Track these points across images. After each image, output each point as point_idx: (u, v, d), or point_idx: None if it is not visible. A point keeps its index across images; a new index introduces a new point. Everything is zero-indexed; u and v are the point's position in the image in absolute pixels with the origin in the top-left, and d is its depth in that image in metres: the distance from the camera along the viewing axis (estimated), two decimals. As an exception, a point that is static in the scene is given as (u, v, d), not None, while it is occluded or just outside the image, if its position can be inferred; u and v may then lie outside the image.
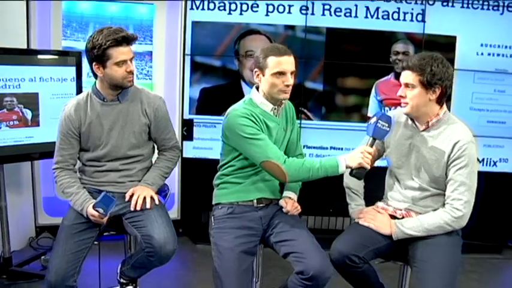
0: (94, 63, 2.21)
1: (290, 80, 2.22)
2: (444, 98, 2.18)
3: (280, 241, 2.22)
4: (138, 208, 2.25)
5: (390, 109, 3.54)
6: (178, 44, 3.58)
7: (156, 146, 2.48)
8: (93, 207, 2.17)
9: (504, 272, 3.44)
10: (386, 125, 2.13)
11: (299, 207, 2.35)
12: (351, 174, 2.16)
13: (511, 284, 3.33)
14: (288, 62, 2.21)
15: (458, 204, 2.13)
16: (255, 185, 2.33)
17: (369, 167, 2.11)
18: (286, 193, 2.38)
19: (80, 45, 3.42)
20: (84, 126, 2.29)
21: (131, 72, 2.24)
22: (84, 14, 3.44)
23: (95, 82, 2.32)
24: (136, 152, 2.35)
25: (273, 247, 2.26)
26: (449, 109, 2.36)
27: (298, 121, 2.43)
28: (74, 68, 3.05)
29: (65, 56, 3.11)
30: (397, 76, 3.53)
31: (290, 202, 2.32)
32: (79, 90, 3.06)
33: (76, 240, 2.20)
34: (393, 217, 2.28)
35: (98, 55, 2.17)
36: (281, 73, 2.21)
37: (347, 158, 2.14)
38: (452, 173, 2.15)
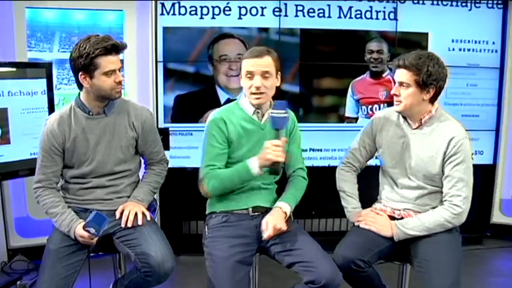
0: (80, 73, 2.07)
1: (257, 83, 2.14)
2: (437, 98, 2.16)
3: (284, 251, 2.14)
4: (129, 225, 2.12)
5: (367, 108, 3.53)
6: (150, 51, 3.41)
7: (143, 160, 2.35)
8: (84, 227, 2.01)
9: (487, 262, 3.49)
10: (282, 111, 2.06)
11: (283, 227, 2.12)
12: (270, 173, 2.12)
13: (496, 273, 3.37)
14: (256, 64, 2.14)
15: (458, 201, 2.11)
16: (250, 192, 2.25)
17: (281, 159, 2.06)
18: (278, 203, 2.21)
19: (46, 56, 3.24)
20: (68, 141, 2.14)
21: (120, 83, 2.12)
22: (49, 23, 3.24)
23: (79, 94, 2.17)
24: (124, 167, 2.22)
25: (275, 257, 2.17)
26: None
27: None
28: (44, 80, 2.87)
29: (33, 68, 2.91)
30: (373, 75, 3.55)
31: (271, 224, 2.10)
32: (50, 103, 2.89)
33: (64, 264, 2.05)
34: (392, 218, 2.25)
35: (85, 64, 2.03)
36: (250, 76, 2.15)
37: (258, 159, 2.09)
38: (449, 169, 2.13)
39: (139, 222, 2.12)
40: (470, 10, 3.54)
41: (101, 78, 2.07)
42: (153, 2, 3.36)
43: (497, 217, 3.82)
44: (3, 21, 3.12)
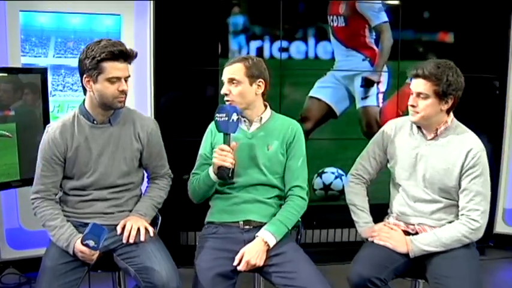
0: (85, 76, 1.96)
1: (224, 89, 2.13)
2: (454, 108, 2.06)
3: (277, 272, 2.02)
4: (131, 241, 1.98)
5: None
6: (148, 57, 3.29)
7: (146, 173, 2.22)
8: (82, 241, 1.87)
9: (491, 273, 3.39)
10: (223, 115, 2.01)
11: (259, 263, 1.99)
12: (217, 178, 2.06)
13: (500, 284, 3.28)
14: (226, 71, 2.14)
15: (475, 215, 2.01)
16: (243, 205, 2.16)
17: (229, 164, 2.01)
18: (261, 232, 2.07)
19: (41, 62, 3.10)
20: (70, 151, 2.01)
21: (123, 92, 1.99)
22: (44, 28, 3.10)
23: (83, 101, 2.04)
24: (127, 180, 2.09)
25: (267, 277, 2.07)
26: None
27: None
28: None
29: (28, 74, 2.76)
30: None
31: (245, 259, 1.99)
32: (45, 111, 2.73)
33: (61, 282, 1.91)
34: (406, 233, 2.14)
35: (90, 67, 1.92)
36: (224, 83, 2.15)
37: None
38: (467, 182, 2.02)
39: (142, 238, 1.99)
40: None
41: (104, 84, 1.95)
42: (152, 6, 3.24)
43: (500, 227, 3.73)
44: (-5, 25, 2.98)
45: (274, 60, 3.37)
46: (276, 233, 2.06)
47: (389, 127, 2.23)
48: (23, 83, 2.68)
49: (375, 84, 3.49)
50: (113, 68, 1.93)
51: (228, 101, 2.12)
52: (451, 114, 2.10)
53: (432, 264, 2.03)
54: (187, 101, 3.41)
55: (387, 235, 2.12)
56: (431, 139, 2.10)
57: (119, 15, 3.23)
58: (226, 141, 2.04)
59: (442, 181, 2.07)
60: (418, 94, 2.02)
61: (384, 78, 3.50)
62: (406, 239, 2.08)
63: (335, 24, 3.40)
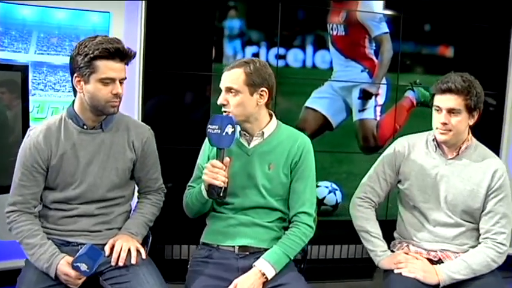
0: (75, 75, 1.71)
1: (220, 99, 1.87)
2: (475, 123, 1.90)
3: None
4: (121, 264, 1.73)
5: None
6: (137, 58, 3.01)
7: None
8: (73, 263, 1.62)
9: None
10: (216, 127, 1.76)
11: None
12: (208, 197, 1.81)
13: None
14: (224, 78, 1.88)
15: (502, 239, 1.88)
16: (239, 228, 1.91)
17: (220, 183, 1.75)
18: (259, 262, 1.83)
19: (21, 58, 2.80)
20: (54, 158, 1.76)
21: (117, 96, 1.74)
22: (26, 21, 2.81)
23: (73, 102, 1.78)
24: (117, 194, 1.84)
25: None
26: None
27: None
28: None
29: (6, 71, 2.47)
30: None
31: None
32: (25, 111, 2.44)
33: None
34: (429, 261, 1.96)
35: (82, 65, 1.67)
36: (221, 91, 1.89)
37: None
38: (493, 204, 1.87)
39: (133, 261, 1.75)
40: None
41: (96, 86, 1.70)
42: (144, 4, 2.99)
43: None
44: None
45: (270, 67, 3.14)
46: (276, 264, 1.82)
47: (401, 145, 2.04)
48: (0, 80, 2.39)
49: (373, 97, 3.31)
50: (107, 67, 1.69)
51: (225, 112, 1.86)
52: (470, 132, 1.93)
53: None
54: (177, 107, 3.16)
55: (416, 266, 1.92)
56: (452, 158, 1.92)
57: (108, 12, 2.97)
58: (219, 157, 1.77)
59: (466, 203, 1.90)
60: (450, 110, 1.83)
61: (383, 90, 3.32)
62: (436, 269, 1.90)
63: (335, 33, 3.21)
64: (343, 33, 3.22)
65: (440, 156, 1.96)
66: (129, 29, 2.99)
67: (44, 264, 1.70)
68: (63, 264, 1.67)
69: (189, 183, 2.02)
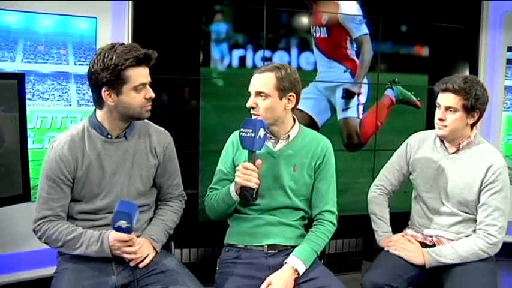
0: (104, 89, 1.73)
1: (249, 102, 1.98)
2: (478, 122, 2.09)
3: None
4: (141, 266, 1.80)
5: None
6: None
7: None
8: (113, 226, 1.68)
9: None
10: (250, 130, 1.86)
11: None
12: (240, 198, 1.92)
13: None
14: (254, 81, 1.99)
15: (493, 230, 2.05)
16: (267, 228, 2.03)
17: (253, 184, 1.87)
18: (290, 259, 1.95)
19: (7, 66, 2.77)
20: (80, 169, 1.79)
21: (151, 99, 1.80)
22: (11, 28, 2.77)
23: (94, 112, 1.81)
24: (143, 201, 1.90)
25: None
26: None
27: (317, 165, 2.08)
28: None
29: (2, 79, 2.43)
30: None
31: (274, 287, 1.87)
32: (22, 122, 2.43)
33: None
34: (424, 244, 2.16)
35: (112, 78, 1.70)
36: (250, 94, 2.00)
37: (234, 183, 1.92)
38: (486, 197, 2.05)
39: (140, 266, 1.82)
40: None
41: (130, 94, 1.75)
42: (130, 9, 3.03)
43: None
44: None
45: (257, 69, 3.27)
46: (306, 260, 1.94)
47: (413, 140, 2.25)
48: None
49: (355, 96, 3.49)
50: (138, 74, 1.75)
51: (254, 114, 1.96)
52: (475, 129, 2.13)
53: (450, 276, 2.04)
54: (165, 111, 3.21)
55: (403, 246, 2.13)
56: (453, 153, 2.12)
57: (95, 17, 2.98)
58: (251, 159, 1.87)
59: (462, 195, 2.09)
60: (447, 108, 2.03)
61: (364, 89, 3.51)
62: (423, 251, 2.09)
63: (318, 35, 3.37)
64: (326, 36, 3.38)
65: (443, 150, 2.15)
66: (116, 33, 3.02)
67: (96, 245, 1.73)
68: (112, 234, 1.71)
69: (211, 186, 2.10)
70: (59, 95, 2.92)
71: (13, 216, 2.72)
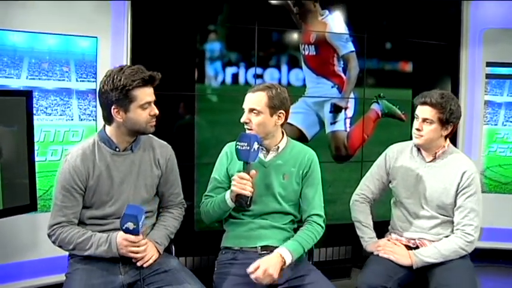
0: (113, 107, 1.94)
1: (243, 117, 2.22)
2: (452, 134, 2.33)
3: None
4: (145, 266, 2.01)
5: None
6: (125, 80, 3.29)
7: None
8: (121, 228, 1.87)
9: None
10: (245, 144, 2.08)
11: (275, 275, 2.04)
12: (236, 205, 2.14)
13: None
14: (247, 99, 2.23)
15: (470, 230, 2.28)
16: (259, 231, 2.25)
17: (248, 192, 2.08)
18: (280, 248, 2.15)
19: (13, 83, 2.98)
20: (92, 179, 2.00)
21: (155, 116, 2.02)
22: (17, 47, 2.99)
23: (103, 127, 2.03)
24: (147, 208, 2.10)
25: None
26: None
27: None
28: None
29: (8, 97, 2.64)
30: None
31: (263, 267, 2.04)
32: (29, 139, 2.62)
33: None
34: (408, 247, 2.38)
35: (120, 97, 1.92)
36: (244, 110, 2.23)
37: (230, 191, 2.15)
38: (462, 200, 2.29)
39: (145, 265, 2.02)
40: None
41: (137, 112, 1.97)
42: (129, 29, 3.26)
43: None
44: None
45: (249, 86, 3.49)
46: (293, 252, 2.14)
47: (391, 151, 2.48)
48: (6, 105, 2.57)
49: (343, 110, 3.74)
50: (144, 94, 1.97)
51: (248, 129, 2.20)
52: (447, 140, 2.37)
53: (434, 275, 2.26)
54: (163, 126, 3.42)
55: (391, 249, 2.34)
56: (430, 161, 2.36)
57: (96, 37, 3.20)
58: (246, 169, 2.09)
59: (440, 199, 2.32)
60: (424, 119, 2.27)
61: (351, 104, 3.76)
62: (409, 253, 2.31)
63: (306, 53, 3.62)
64: (314, 53, 3.64)
65: (421, 159, 2.39)
66: (116, 52, 3.26)
67: (105, 245, 1.93)
68: (120, 236, 1.91)
69: (206, 193, 2.32)
70: (62, 110, 3.13)
71: (16, 225, 2.91)
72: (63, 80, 3.13)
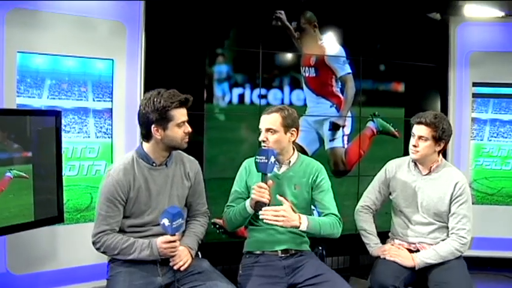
0: (153, 126, 2.23)
1: (261, 136, 2.57)
2: (444, 150, 2.70)
3: None
4: (182, 269, 2.30)
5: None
6: (138, 98, 3.55)
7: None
8: (160, 222, 2.14)
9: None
10: (263, 157, 2.41)
11: (295, 223, 2.38)
12: (255, 211, 2.45)
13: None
14: (263, 120, 2.58)
15: (463, 233, 2.63)
16: (278, 236, 2.56)
17: (265, 200, 2.40)
18: (302, 215, 2.45)
19: (35, 103, 3.24)
20: (132, 191, 2.28)
21: (188, 133, 2.32)
22: (39, 69, 3.25)
23: (141, 145, 2.32)
24: None
25: None
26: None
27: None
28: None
29: (40, 116, 2.93)
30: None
31: (287, 213, 2.38)
32: (58, 156, 2.89)
33: None
34: (409, 250, 2.70)
35: (160, 117, 2.21)
36: (261, 130, 2.58)
37: (250, 199, 2.47)
38: (456, 208, 2.64)
39: (182, 268, 2.31)
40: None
41: (174, 130, 2.26)
42: (143, 52, 3.58)
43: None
44: (-8, 66, 3.09)
45: (253, 106, 3.86)
46: (311, 222, 2.45)
47: (390, 166, 2.82)
48: (38, 124, 2.84)
49: (341, 128, 4.10)
50: (180, 114, 2.28)
51: (265, 146, 2.53)
52: (440, 155, 2.73)
53: (433, 274, 2.61)
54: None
55: (396, 253, 2.67)
56: (426, 174, 2.71)
57: (112, 59, 3.49)
58: (264, 180, 2.42)
59: (436, 207, 2.67)
60: (420, 137, 2.63)
61: (348, 122, 4.13)
62: (412, 255, 2.64)
63: (307, 75, 3.98)
64: (314, 75, 4.00)
65: (418, 173, 2.73)
66: (130, 73, 3.55)
67: (148, 250, 2.22)
68: (159, 240, 2.20)
69: (227, 204, 2.62)
70: (79, 128, 3.40)
71: (39, 236, 3.17)
72: (81, 99, 3.40)
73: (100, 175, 3.40)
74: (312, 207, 2.71)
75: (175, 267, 2.29)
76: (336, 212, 2.62)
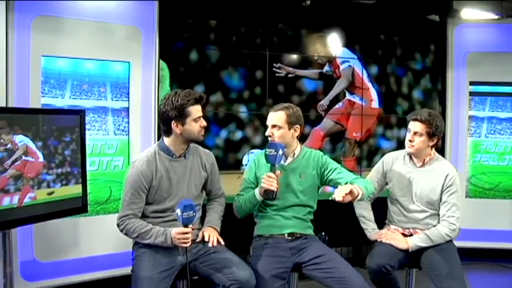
0: (173, 122, 2.54)
1: (267, 131, 2.90)
2: (437, 145, 3.02)
3: (318, 269, 2.76)
4: (215, 244, 2.60)
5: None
6: (153, 98, 3.90)
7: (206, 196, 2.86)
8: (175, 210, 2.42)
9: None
10: (273, 150, 2.73)
11: (351, 190, 2.67)
12: (264, 198, 2.77)
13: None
14: (270, 117, 2.90)
15: (453, 220, 2.94)
16: (285, 221, 2.88)
17: (274, 188, 2.71)
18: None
19: (58, 102, 3.55)
20: (155, 180, 2.58)
21: (204, 127, 2.63)
22: (62, 71, 3.57)
23: (162, 140, 2.64)
24: (196, 202, 2.68)
25: (308, 273, 2.79)
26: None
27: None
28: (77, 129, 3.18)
29: (65, 115, 3.25)
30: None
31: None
32: (82, 149, 3.21)
33: None
34: (404, 235, 3.03)
35: (179, 114, 2.52)
36: (268, 126, 2.90)
37: (259, 187, 2.79)
38: (446, 197, 2.96)
39: (215, 244, 2.61)
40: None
41: (192, 124, 2.58)
42: (157, 56, 3.91)
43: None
44: (20, 68, 3.40)
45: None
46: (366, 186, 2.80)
47: (387, 158, 3.14)
48: (64, 122, 3.15)
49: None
50: (196, 110, 2.59)
51: (271, 141, 2.85)
52: (433, 149, 3.05)
53: (426, 256, 2.93)
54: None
55: (392, 236, 2.99)
56: (420, 166, 3.03)
57: (128, 62, 3.81)
58: (273, 170, 2.74)
59: (429, 196, 2.99)
60: (415, 132, 2.95)
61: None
62: (406, 239, 2.96)
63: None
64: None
65: (412, 165, 3.05)
66: (145, 75, 3.88)
67: (162, 237, 2.51)
68: (174, 230, 2.49)
69: (238, 193, 2.95)
70: (99, 126, 3.72)
71: (63, 227, 3.52)
72: (100, 99, 3.72)
73: (118, 170, 3.74)
74: (332, 188, 2.95)
75: (209, 245, 2.60)
76: (357, 175, 2.94)
